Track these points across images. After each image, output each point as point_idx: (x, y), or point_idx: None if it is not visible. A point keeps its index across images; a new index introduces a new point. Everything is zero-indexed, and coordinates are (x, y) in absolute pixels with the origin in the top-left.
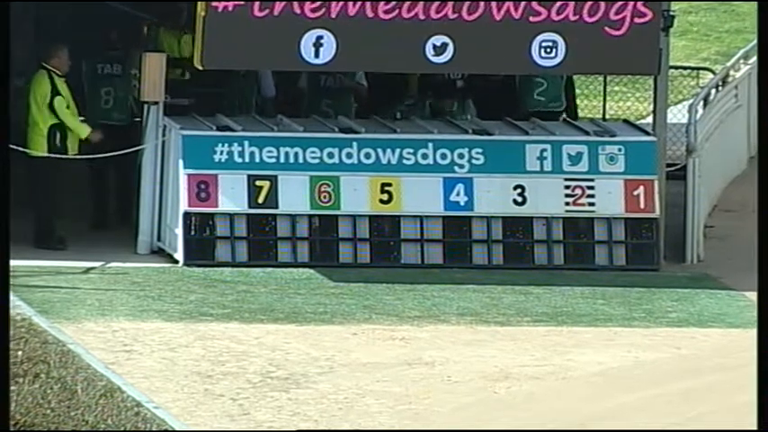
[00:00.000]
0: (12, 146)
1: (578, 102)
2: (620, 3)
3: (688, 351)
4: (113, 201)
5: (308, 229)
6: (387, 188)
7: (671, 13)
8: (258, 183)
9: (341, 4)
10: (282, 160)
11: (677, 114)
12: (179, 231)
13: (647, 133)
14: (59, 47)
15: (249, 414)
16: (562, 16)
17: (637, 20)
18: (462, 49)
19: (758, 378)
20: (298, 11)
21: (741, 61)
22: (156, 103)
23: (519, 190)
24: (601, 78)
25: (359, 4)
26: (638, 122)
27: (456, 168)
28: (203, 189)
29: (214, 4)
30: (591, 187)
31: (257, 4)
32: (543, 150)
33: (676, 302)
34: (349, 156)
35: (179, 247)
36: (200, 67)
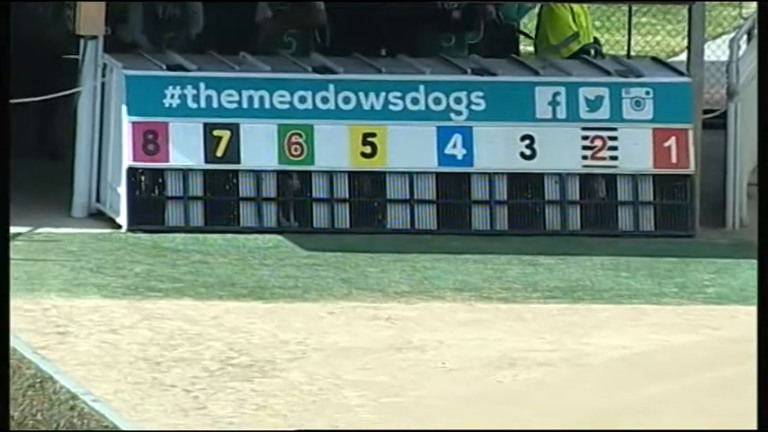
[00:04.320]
0: None
1: (599, 35)
2: None
3: (728, 332)
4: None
5: (276, 188)
6: (370, 139)
7: None
8: (216, 132)
9: None
10: (245, 105)
11: (716, 51)
12: (122, 190)
13: (681, 73)
14: None
15: (206, 408)
16: None
17: None
18: None
19: (758, 377)
20: None
21: None
22: (95, 37)
23: (527, 141)
24: (625, 8)
25: None
26: (669, 60)
27: (452, 115)
28: (151, 140)
29: None
30: (613, 138)
31: None
32: (556, 94)
33: (714, 275)
34: (324, 100)
35: (122, 210)
36: None
